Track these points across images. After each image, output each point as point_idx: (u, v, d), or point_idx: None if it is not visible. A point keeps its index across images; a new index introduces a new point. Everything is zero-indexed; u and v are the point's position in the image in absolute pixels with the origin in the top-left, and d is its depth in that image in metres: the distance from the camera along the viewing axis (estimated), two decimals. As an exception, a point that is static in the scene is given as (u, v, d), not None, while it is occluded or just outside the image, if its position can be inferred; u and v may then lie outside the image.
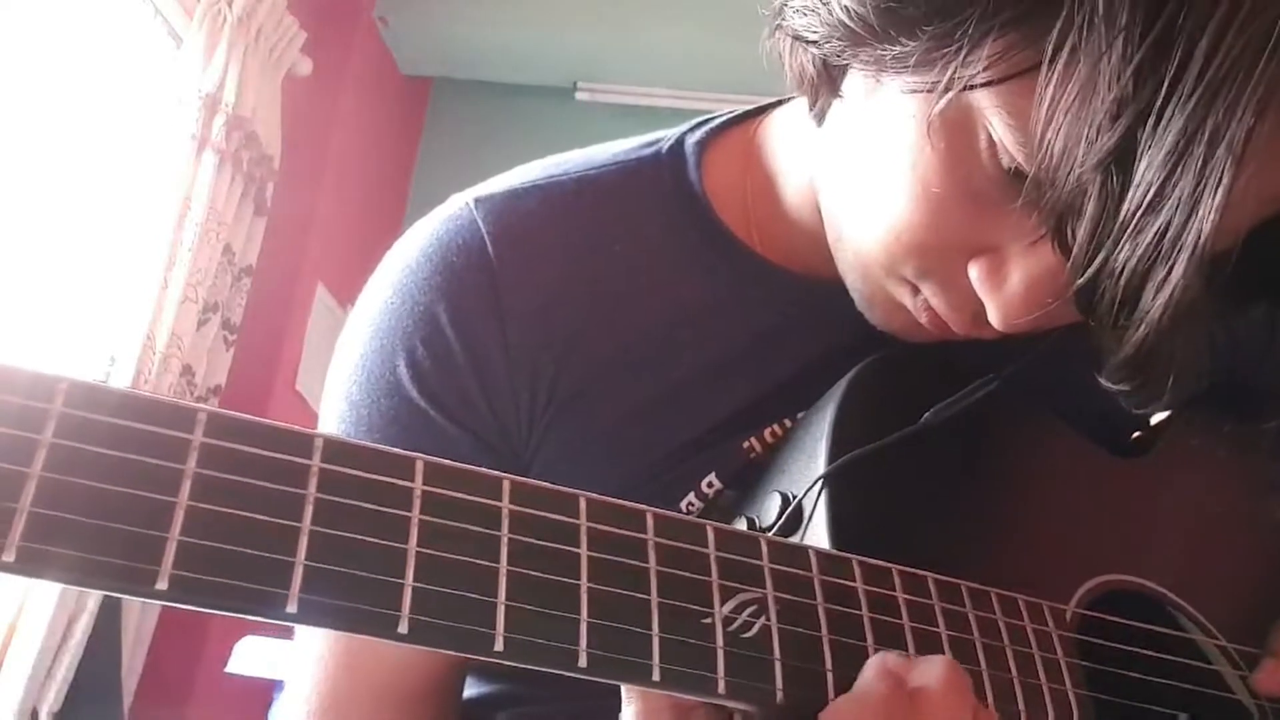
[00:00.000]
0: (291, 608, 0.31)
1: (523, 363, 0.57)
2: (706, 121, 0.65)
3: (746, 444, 0.58)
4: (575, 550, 0.37)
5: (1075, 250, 0.43)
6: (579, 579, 0.36)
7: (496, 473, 0.37)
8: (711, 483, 0.57)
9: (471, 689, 0.65)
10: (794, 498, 0.49)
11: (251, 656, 2.04)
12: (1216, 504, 0.65)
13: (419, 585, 0.33)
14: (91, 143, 2.17)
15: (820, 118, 0.56)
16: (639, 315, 0.59)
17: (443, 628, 0.33)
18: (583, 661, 0.35)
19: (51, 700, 1.93)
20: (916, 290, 0.52)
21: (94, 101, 2.19)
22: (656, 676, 0.36)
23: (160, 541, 0.30)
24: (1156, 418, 0.66)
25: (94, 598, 1.99)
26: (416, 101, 3.35)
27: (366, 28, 3.04)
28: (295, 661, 0.59)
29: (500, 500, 0.36)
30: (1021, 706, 0.45)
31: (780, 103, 0.64)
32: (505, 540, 0.35)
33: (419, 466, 0.35)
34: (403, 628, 0.33)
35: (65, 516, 0.29)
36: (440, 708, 0.60)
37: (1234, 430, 0.67)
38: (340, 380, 0.60)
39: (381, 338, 0.58)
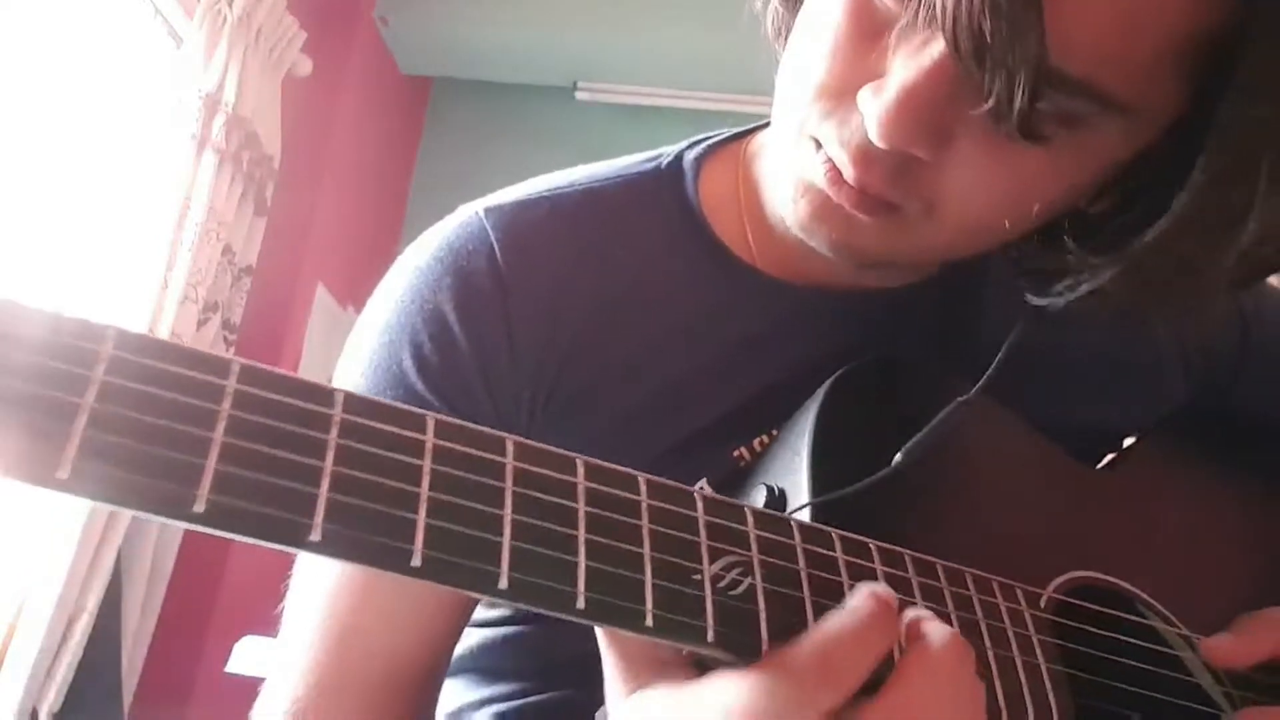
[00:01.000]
0: (315, 536, 0.33)
1: (526, 362, 0.59)
2: (704, 139, 0.68)
3: (737, 453, 0.59)
4: (574, 505, 0.39)
5: (942, 13, 0.45)
6: (577, 529, 0.38)
7: (500, 433, 0.39)
8: (703, 487, 0.58)
9: (467, 693, 0.65)
10: (779, 490, 0.51)
11: (251, 656, 2.04)
12: (1187, 516, 0.67)
13: (431, 522, 0.35)
14: (91, 142, 2.17)
15: (782, 37, 0.60)
16: (638, 321, 0.61)
17: (453, 564, 0.35)
18: (580, 604, 0.37)
19: (51, 700, 1.93)
20: (819, 146, 0.53)
21: (94, 101, 2.19)
22: (649, 622, 0.38)
23: (199, 469, 0.32)
24: (1128, 440, 0.69)
25: (94, 598, 1.99)
26: (416, 101, 3.35)
27: (366, 28, 3.04)
28: (283, 651, 0.59)
29: (505, 457, 0.38)
30: (996, 678, 0.47)
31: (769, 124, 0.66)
32: (510, 492, 0.37)
33: (430, 422, 0.37)
34: (416, 561, 0.35)
35: (114, 440, 0.31)
36: (426, 699, 0.61)
37: (1204, 450, 0.69)
38: (347, 376, 0.61)
39: (390, 333, 0.60)
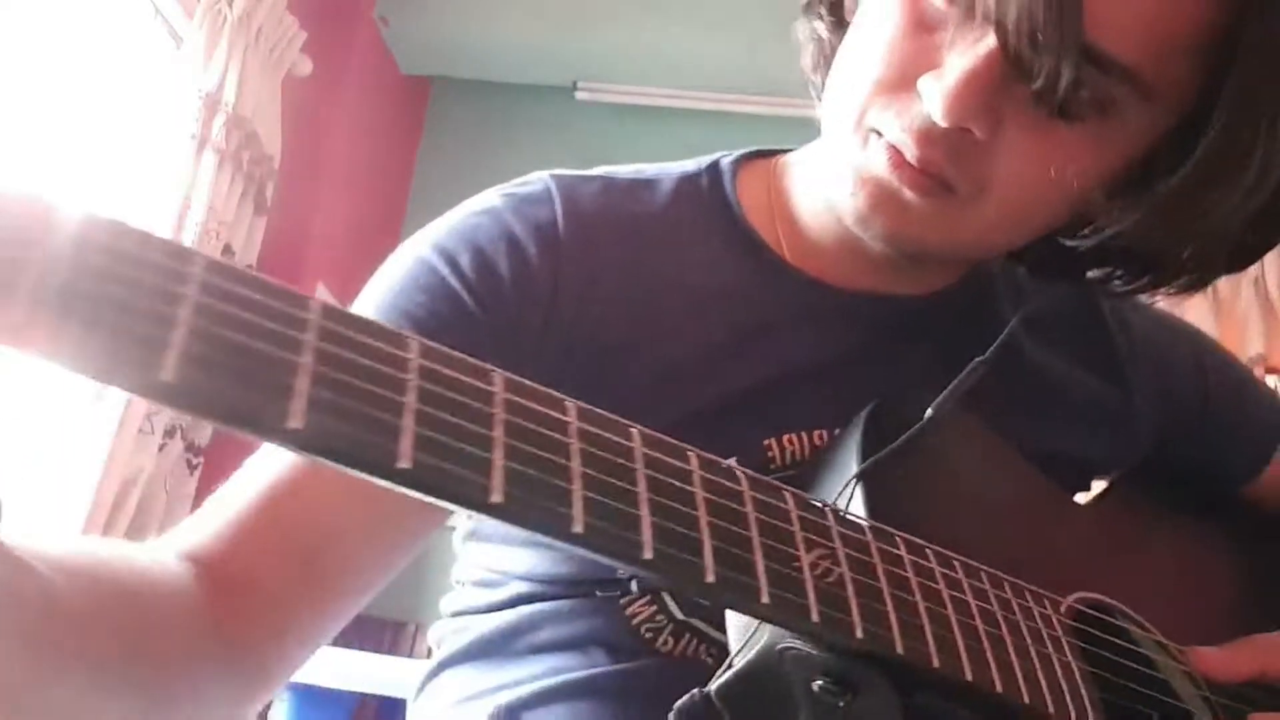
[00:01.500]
0: (404, 463, 0.33)
1: (567, 297, 0.63)
2: (730, 154, 0.73)
3: (767, 443, 0.63)
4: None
5: (990, 8, 0.52)
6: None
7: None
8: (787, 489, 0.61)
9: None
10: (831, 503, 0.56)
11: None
12: (1161, 553, 0.72)
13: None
14: (91, 142, 2.17)
15: (826, 64, 0.66)
16: (672, 288, 0.66)
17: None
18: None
19: (51, 700, 1.93)
20: (880, 135, 0.58)
21: (94, 101, 2.19)
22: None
23: (289, 389, 0.32)
24: (1098, 485, 0.75)
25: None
26: (416, 101, 3.35)
27: (366, 28, 3.04)
28: (207, 505, 0.58)
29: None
30: (1040, 671, 0.50)
31: (794, 150, 0.73)
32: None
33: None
34: (497, 497, 0.34)
35: (211, 356, 0.31)
36: (339, 592, 0.60)
37: (1170, 494, 0.75)
38: (371, 290, 0.64)
39: (437, 239, 0.64)
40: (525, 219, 0.65)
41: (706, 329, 0.65)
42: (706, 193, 0.70)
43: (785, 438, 0.63)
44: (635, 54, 3.03)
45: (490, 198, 0.67)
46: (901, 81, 0.57)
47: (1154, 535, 0.73)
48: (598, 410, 0.40)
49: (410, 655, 2.59)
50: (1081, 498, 0.74)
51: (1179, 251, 0.62)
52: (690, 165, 0.72)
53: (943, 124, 0.54)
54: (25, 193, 0.30)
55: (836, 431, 0.62)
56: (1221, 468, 0.80)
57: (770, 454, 0.63)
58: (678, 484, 0.40)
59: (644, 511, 0.38)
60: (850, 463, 0.56)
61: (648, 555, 0.37)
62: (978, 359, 0.61)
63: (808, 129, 0.67)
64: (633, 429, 0.41)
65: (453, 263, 0.62)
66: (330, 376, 0.33)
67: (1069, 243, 0.63)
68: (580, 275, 0.64)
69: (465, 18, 3.00)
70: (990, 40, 0.53)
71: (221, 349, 0.31)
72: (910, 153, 0.56)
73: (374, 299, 0.63)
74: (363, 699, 2.34)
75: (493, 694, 0.64)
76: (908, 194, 0.57)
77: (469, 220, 0.65)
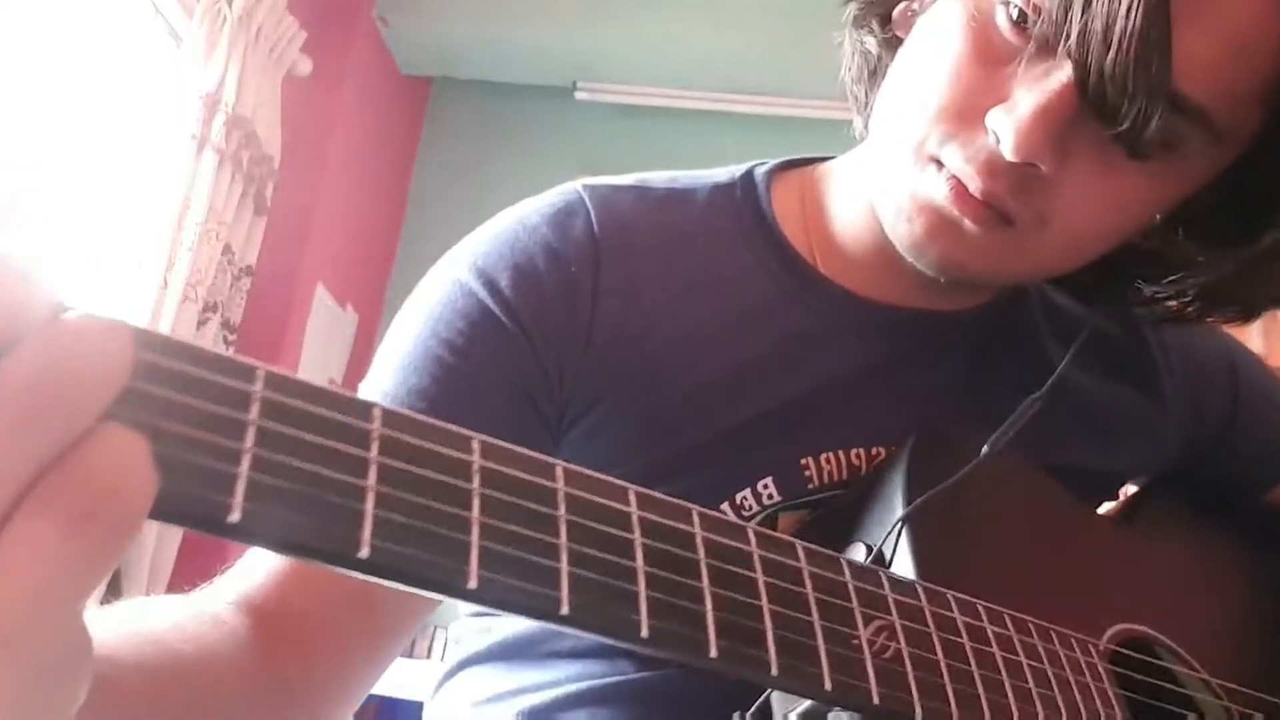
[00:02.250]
0: (472, 583, 0.33)
1: (607, 310, 0.63)
2: (764, 163, 0.73)
3: (803, 461, 0.63)
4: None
5: (1070, 47, 0.51)
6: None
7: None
8: (768, 485, 0.62)
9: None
10: (876, 546, 0.55)
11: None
12: (1195, 566, 0.72)
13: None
14: (91, 142, 2.17)
15: (872, 77, 0.66)
16: (709, 303, 0.65)
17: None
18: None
19: (51, 700, 1.92)
20: (940, 165, 0.57)
21: (94, 101, 2.19)
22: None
23: (359, 513, 0.32)
24: (1125, 489, 0.75)
25: (94, 598, 1.99)
26: (416, 101, 3.35)
27: (366, 28, 3.04)
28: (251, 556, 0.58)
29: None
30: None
31: (830, 158, 0.73)
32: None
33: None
34: (564, 610, 0.34)
35: (278, 485, 0.30)
36: (392, 628, 0.60)
37: (1199, 503, 0.76)
38: (404, 326, 0.63)
39: (476, 260, 0.63)
40: (562, 231, 0.64)
41: (743, 346, 0.64)
42: (741, 204, 0.69)
43: (823, 457, 0.63)
44: (635, 54, 3.03)
45: (524, 211, 0.67)
46: (967, 111, 0.55)
47: (1190, 552, 0.73)
48: (657, 496, 0.40)
49: (410, 656, 2.59)
50: (1105, 506, 0.74)
51: (1251, 294, 0.63)
52: (723, 175, 0.72)
53: (1012, 159, 0.53)
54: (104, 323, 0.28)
55: (874, 451, 0.63)
56: (1248, 475, 0.80)
57: (807, 473, 0.63)
58: (738, 570, 0.40)
59: (708, 607, 0.38)
60: (896, 497, 0.56)
61: (712, 654, 0.37)
62: (1033, 395, 0.61)
63: (809, 129, 0.68)
64: (693, 513, 0.40)
65: (491, 285, 0.62)
66: (395, 497, 0.33)
67: (1148, 289, 0.64)
68: (620, 288, 0.63)
69: (465, 18, 2.99)
70: (1064, 74, 0.52)
71: (288, 477, 0.31)
72: (974, 185, 0.55)
73: (413, 329, 0.62)
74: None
75: (515, 696, 0.64)
76: (967, 224, 0.57)
77: (504, 236, 0.65)
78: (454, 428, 0.35)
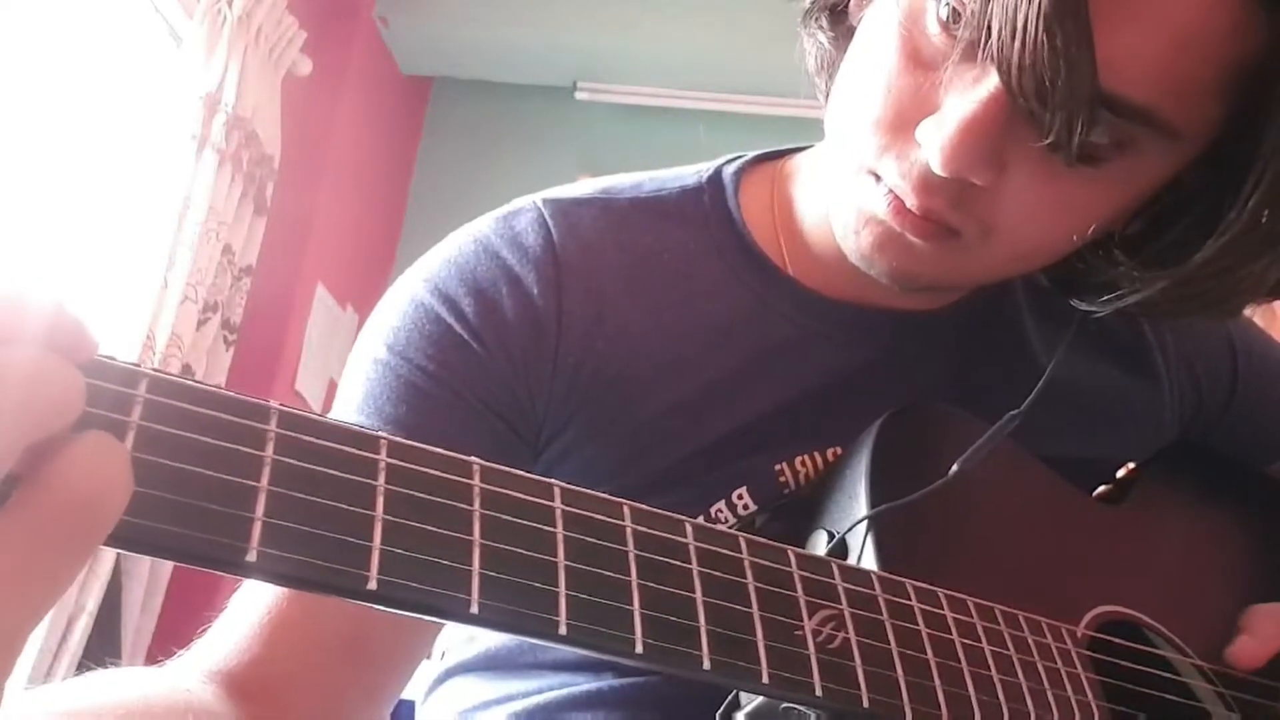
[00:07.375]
0: (372, 585, 0.33)
1: (573, 335, 0.61)
2: (738, 157, 0.71)
3: (778, 467, 0.61)
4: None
5: (993, 51, 0.48)
6: (630, 576, 0.39)
7: (546, 479, 0.39)
8: (742, 495, 0.61)
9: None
10: (839, 534, 0.54)
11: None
12: (1186, 547, 0.71)
13: (486, 573, 0.35)
14: (91, 142, 2.17)
15: (828, 69, 0.64)
16: (680, 319, 0.63)
17: (508, 611, 0.35)
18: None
19: (51, 700, 1.92)
20: (879, 179, 0.55)
21: (94, 101, 2.19)
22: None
23: (248, 521, 0.31)
24: (1121, 471, 0.73)
25: (94, 598, 1.99)
26: (416, 101, 3.34)
27: (366, 28, 3.03)
28: (230, 611, 0.57)
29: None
30: (1055, 709, 0.49)
31: (803, 149, 0.70)
32: (561, 536, 0.38)
33: (476, 468, 0.37)
34: (474, 609, 0.34)
35: (159, 495, 0.30)
36: (388, 680, 0.60)
37: (1194, 483, 0.74)
38: (368, 344, 0.62)
39: (436, 283, 0.62)
40: (522, 253, 0.62)
41: (715, 363, 0.62)
42: (710, 210, 0.67)
43: (799, 459, 0.62)
44: (635, 54, 3.03)
45: (482, 228, 0.65)
46: (899, 123, 0.53)
47: (1183, 532, 0.72)
48: (650, 509, 0.40)
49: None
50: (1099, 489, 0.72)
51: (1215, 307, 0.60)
52: (691, 177, 0.69)
53: (942, 174, 0.51)
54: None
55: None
56: (1246, 452, 0.78)
57: (782, 478, 0.62)
58: (673, 562, 0.40)
59: (635, 604, 0.38)
60: (859, 481, 0.55)
61: (639, 650, 0.37)
62: (1012, 411, 0.59)
63: (809, 129, 0.67)
64: (624, 508, 0.40)
65: (454, 308, 0.60)
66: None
67: (1083, 306, 0.61)
68: (585, 312, 0.61)
69: (465, 18, 2.99)
70: (991, 82, 0.49)
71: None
72: (910, 201, 0.54)
73: (377, 352, 0.61)
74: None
75: (501, 704, 0.64)
76: (910, 238, 0.55)
77: (463, 255, 0.63)
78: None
